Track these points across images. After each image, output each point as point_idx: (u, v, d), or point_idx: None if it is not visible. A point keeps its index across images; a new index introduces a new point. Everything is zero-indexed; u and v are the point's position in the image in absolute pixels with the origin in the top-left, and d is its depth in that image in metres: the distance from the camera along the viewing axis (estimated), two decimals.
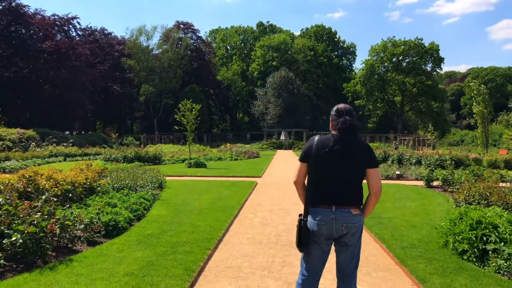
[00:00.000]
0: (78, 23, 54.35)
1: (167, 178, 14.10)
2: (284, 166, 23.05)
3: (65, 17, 51.44)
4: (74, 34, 53.94)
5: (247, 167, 21.39)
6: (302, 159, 3.44)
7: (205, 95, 63.55)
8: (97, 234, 6.40)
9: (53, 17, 49.75)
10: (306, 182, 3.47)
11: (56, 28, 49.54)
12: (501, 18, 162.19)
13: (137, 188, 10.60)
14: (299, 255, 5.87)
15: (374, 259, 5.90)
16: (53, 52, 43.51)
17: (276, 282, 4.94)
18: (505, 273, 4.90)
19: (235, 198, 10.71)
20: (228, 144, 43.58)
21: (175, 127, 25.53)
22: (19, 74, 44.49)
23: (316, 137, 3.44)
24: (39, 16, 46.97)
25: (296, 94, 60.38)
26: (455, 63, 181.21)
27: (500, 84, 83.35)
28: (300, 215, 3.44)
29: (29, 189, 7.42)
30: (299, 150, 43.66)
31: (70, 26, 52.70)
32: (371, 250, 6.31)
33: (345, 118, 3.36)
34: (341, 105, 3.56)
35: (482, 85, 34.79)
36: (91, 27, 59.03)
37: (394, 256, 5.76)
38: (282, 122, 57.97)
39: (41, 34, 45.03)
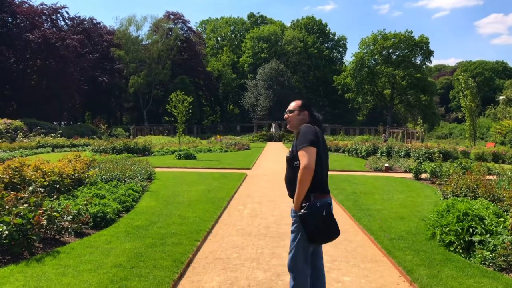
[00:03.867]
0: (67, 12, 53.56)
1: (157, 169, 14.03)
2: (274, 159, 23.07)
3: (53, 7, 50.61)
4: (62, 23, 53.15)
5: (237, 159, 21.38)
6: (315, 143, 3.33)
7: (195, 86, 63.19)
8: (85, 226, 6.34)
9: (41, 6, 48.92)
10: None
11: (44, 17, 48.73)
12: (489, 13, 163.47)
13: (126, 179, 10.52)
14: (288, 246, 5.90)
15: (362, 250, 5.94)
16: (41, 42, 42.83)
17: (265, 273, 4.96)
18: (491, 264, 4.96)
19: (224, 189, 10.70)
20: (218, 136, 43.47)
21: (166, 117, 25.33)
22: (5, 64, 43.76)
23: (310, 125, 3.47)
24: (26, 5, 46.15)
25: (286, 86, 60.32)
26: (444, 56, 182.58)
27: (488, 78, 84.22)
28: (317, 204, 3.34)
29: (15, 180, 7.32)
30: (289, 143, 43.65)
31: (58, 16, 51.86)
32: (359, 242, 6.36)
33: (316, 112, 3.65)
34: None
35: (470, 79, 35.10)
36: (79, 16, 58.08)
37: (382, 248, 5.80)
38: (273, 114, 57.91)
39: (28, 23, 44.27)
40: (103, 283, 4.32)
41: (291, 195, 3.54)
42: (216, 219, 7.48)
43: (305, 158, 3.26)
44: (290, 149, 3.56)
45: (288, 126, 3.72)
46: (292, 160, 3.49)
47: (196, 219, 7.23)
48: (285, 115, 3.71)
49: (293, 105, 3.69)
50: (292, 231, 3.53)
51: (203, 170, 15.81)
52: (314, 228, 3.32)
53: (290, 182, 3.54)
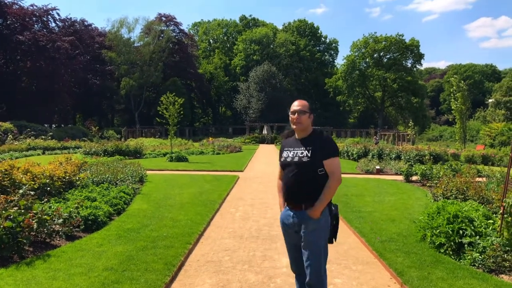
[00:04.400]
0: (58, 14, 53.14)
1: (148, 172, 13.99)
2: (266, 161, 23.09)
3: (44, 8, 50.23)
4: (53, 25, 52.74)
5: (229, 161, 21.36)
6: None
7: (187, 89, 63.07)
8: (76, 229, 6.31)
9: (31, 8, 48.52)
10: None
11: (34, 18, 48.34)
12: (478, 16, 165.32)
13: (117, 182, 10.48)
14: (280, 249, 5.94)
15: (354, 252, 5.97)
16: (32, 44, 42.50)
17: (257, 276, 4.96)
18: (480, 265, 5.02)
19: (216, 192, 10.69)
20: (210, 138, 43.39)
21: (157, 119, 25.17)
22: None
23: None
24: (17, 6, 45.76)
25: (278, 88, 60.41)
26: (434, 59, 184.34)
27: (478, 81, 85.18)
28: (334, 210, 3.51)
29: (5, 183, 7.25)
30: None
31: (49, 17, 51.45)
32: (350, 244, 6.39)
33: None
34: None
35: (462, 81, 35.41)
36: (70, 18, 57.79)
37: (373, 250, 5.84)
38: (265, 116, 57.97)
39: (18, 24, 43.91)
40: (94, 287, 4.30)
41: (301, 201, 3.40)
42: (208, 222, 7.47)
43: (339, 169, 3.39)
44: (307, 154, 3.38)
45: (297, 127, 3.48)
46: (314, 166, 3.35)
47: (188, 222, 7.22)
48: (295, 116, 3.46)
49: (303, 105, 3.49)
50: (313, 241, 3.36)
51: (195, 173, 15.78)
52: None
53: (305, 187, 3.38)
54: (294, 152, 3.44)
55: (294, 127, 3.50)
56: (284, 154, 3.52)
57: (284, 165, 3.50)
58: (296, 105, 3.50)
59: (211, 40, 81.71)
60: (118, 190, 8.97)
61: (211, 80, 71.13)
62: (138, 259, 5.18)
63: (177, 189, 10.96)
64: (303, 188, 3.37)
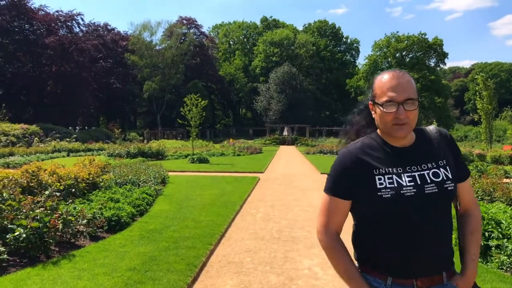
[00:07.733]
0: (82, 19, 54.33)
1: (170, 173, 14.11)
2: (287, 162, 23.03)
3: (69, 13, 51.44)
4: (77, 30, 54.00)
5: (249, 162, 21.38)
6: None
7: (208, 91, 63.54)
8: (100, 229, 6.40)
9: (56, 13, 49.77)
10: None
11: (59, 24, 49.57)
12: (504, 14, 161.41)
13: (140, 183, 10.60)
14: (301, 250, 5.91)
15: None
16: (56, 47, 43.58)
17: (278, 277, 4.94)
18: (508, 269, 4.88)
19: (237, 193, 10.70)
20: (231, 140, 43.54)
21: (179, 120, 25.39)
22: (22, 70, 44.65)
23: None
24: (43, 12, 47.01)
25: (299, 89, 60.25)
26: (458, 58, 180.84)
27: (505, 80, 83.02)
28: None
29: (32, 184, 7.44)
30: (302, 146, 43.44)
31: (74, 22, 52.68)
32: None
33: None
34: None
35: (489, 79, 34.57)
36: (94, 22, 59.14)
37: None
38: (285, 117, 57.87)
39: (44, 29, 45.10)
40: (118, 286, 4.35)
41: (442, 267, 1.71)
42: (229, 223, 7.48)
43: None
44: (446, 174, 1.74)
45: (401, 133, 1.73)
46: (453, 195, 1.77)
47: (209, 223, 7.24)
48: (398, 111, 1.67)
49: (411, 87, 1.72)
50: None
51: (216, 174, 15.85)
52: None
53: (445, 239, 1.73)
54: (414, 175, 1.69)
55: (395, 133, 1.72)
56: (385, 181, 1.66)
57: (397, 207, 1.64)
58: (398, 85, 1.68)
59: (231, 42, 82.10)
60: (140, 191, 9.07)
61: (231, 82, 71.46)
62: (161, 260, 5.22)
63: (198, 190, 11.02)
64: (442, 241, 1.71)
